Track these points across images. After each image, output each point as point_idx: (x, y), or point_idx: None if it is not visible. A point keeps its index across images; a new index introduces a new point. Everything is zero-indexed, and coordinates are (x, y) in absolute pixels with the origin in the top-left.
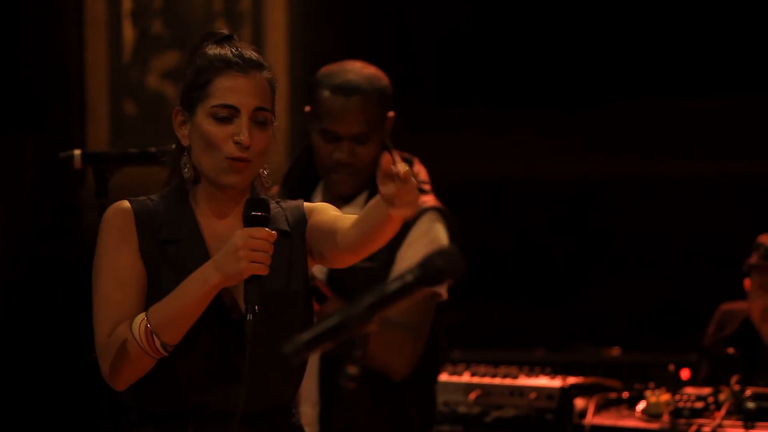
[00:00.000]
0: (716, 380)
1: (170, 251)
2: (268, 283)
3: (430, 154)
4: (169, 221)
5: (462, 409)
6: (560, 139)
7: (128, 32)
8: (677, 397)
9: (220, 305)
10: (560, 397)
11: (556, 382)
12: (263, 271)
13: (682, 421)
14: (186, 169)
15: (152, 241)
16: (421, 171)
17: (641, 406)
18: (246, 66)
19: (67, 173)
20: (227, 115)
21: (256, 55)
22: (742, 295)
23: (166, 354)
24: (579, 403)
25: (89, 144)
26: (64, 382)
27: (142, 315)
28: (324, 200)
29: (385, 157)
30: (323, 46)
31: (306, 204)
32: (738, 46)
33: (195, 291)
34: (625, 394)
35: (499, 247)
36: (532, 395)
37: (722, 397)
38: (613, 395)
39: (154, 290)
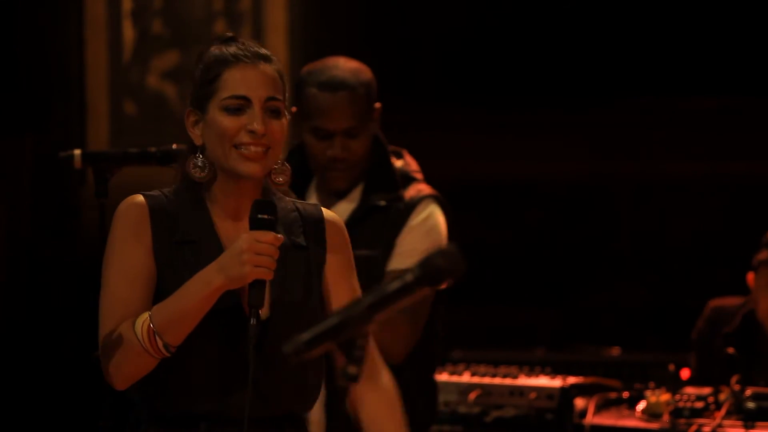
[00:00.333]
0: (708, 375)
1: (186, 252)
2: (287, 294)
3: (430, 154)
4: (184, 221)
5: (462, 409)
6: (560, 139)
7: (128, 32)
8: (677, 396)
9: (236, 308)
10: (560, 396)
11: (556, 382)
12: (268, 275)
13: (682, 420)
14: (197, 170)
15: (167, 240)
16: (411, 162)
17: (641, 405)
18: (254, 57)
19: (67, 173)
20: (239, 106)
21: (264, 49)
22: (743, 294)
23: (168, 355)
24: (579, 402)
25: (89, 144)
26: (64, 381)
27: (146, 314)
28: (319, 197)
29: None
30: (323, 46)
31: (325, 216)
32: (738, 46)
33: (198, 292)
34: (625, 394)
35: (499, 246)
36: (532, 395)
37: (722, 396)
38: (613, 395)
39: (167, 291)
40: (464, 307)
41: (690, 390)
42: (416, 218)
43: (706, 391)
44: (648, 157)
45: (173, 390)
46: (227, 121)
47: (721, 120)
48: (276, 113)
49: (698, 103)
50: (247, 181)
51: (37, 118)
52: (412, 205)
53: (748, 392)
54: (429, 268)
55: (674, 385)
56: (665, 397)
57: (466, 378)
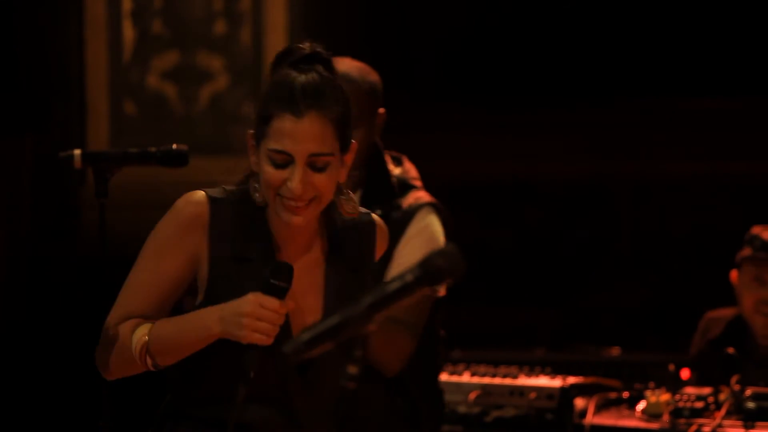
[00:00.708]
0: (700, 383)
1: (242, 269)
2: None
3: (430, 154)
4: (245, 235)
5: (462, 409)
6: (560, 139)
7: (128, 32)
8: (677, 396)
9: (283, 326)
10: (560, 396)
11: (556, 382)
12: (266, 341)
13: (682, 420)
14: (256, 194)
15: (225, 251)
16: (411, 169)
17: (641, 405)
18: (304, 106)
19: (67, 173)
20: (282, 161)
21: (327, 85)
22: None
23: (156, 370)
24: (579, 402)
25: (89, 144)
26: (64, 381)
27: (147, 327)
28: None
29: None
30: (323, 45)
31: (378, 229)
32: (738, 46)
33: (196, 332)
34: (625, 394)
35: (499, 246)
36: (532, 395)
37: (722, 396)
38: (613, 395)
39: (216, 302)
40: (464, 307)
41: (690, 390)
42: (414, 227)
43: (706, 391)
44: (648, 157)
45: (207, 395)
46: (271, 172)
47: (721, 120)
48: (321, 169)
49: (698, 103)
50: None
51: (37, 118)
52: (410, 213)
53: (748, 392)
54: (429, 268)
55: (674, 385)
56: (665, 397)
57: (466, 378)
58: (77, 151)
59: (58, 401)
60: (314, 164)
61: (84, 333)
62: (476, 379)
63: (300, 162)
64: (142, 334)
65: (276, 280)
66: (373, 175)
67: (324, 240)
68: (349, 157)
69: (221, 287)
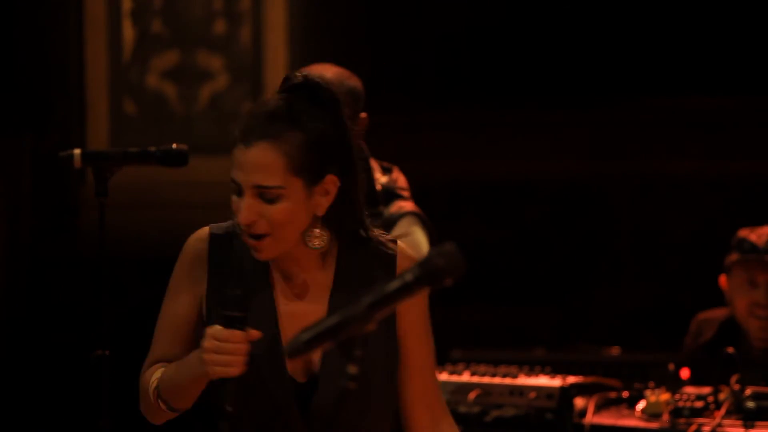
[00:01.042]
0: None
1: (236, 301)
2: (336, 354)
3: (430, 154)
4: (244, 265)
5: (462, 409)
6: (560, 138)
7: (128, 31)
8: (677, 396)
9: (279, 373)
10: (560, 396)
11: (556, 382)
12: (233, 372)
13: (682, 420)
14: None
15: (222, 284)
16: (399, 178)
17: (641, 405)
18: (254, 136)
19: (67, 172)
20: (237, 191)
21: (290, 114)
22: None
23: (175, 413)
24: (579, 402)
25: (89, 143)
26: (64, 380)
27: (161, 371)
28: None
29: None
30: (323, 45)
31: (398, 260)
32: (738, 46)
33: (190, 372)
34: (625, 394)
35: (499, 246)
36: (532, 395)
37: (722, 396)
38: (612, 394)
39: None
40: (464, 306)
41: (690, 389)
42: (395, 234)
43: (706, 390)
44: (647, 156)
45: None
46: (233, 200)
47: (720, 119)
48: (271, 201)
49: (698, 102)
50: None
51: (37, 117)
52: (392, 222)
53: (748, 392)
54: (429, 267)
55: (674, 384)
56: (665, 396)
57: (465, 377)
58: (77, 151)
59: (58, 401)
60: (264, 195)
61: (84, 332)
62: (476, 379)
63: (247, 192)
64: (154, 378)
65: (229, 311)
66: None
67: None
68: (327, 189)
69: (216, 322)
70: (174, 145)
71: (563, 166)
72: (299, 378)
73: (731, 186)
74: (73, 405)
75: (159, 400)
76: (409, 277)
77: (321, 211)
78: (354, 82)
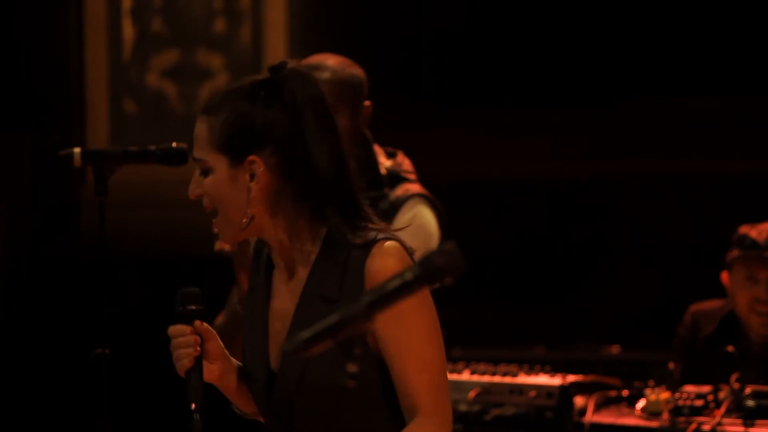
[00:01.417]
0: (693, 381)
1: (252, 299)
2: (313, 365)
3: (430, 153)
4: (257, 265)
5: (462, 407)
6: (560, 137)
7: (128, 30)
8: (677, 395)
9: (261, 369)
10: (560, 395)
11: (556, 380)
12: (184, 366)
13: (682, 419)
14: None
15: (248, 283)
16: (404, 161)
17: (641, 404)
18: (203, 110)
19: (67, 171)
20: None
21: (235, 91)
22: None
23: (247, 416)
24: (579, 401)
25: (89, 142)
26: (65, 379)
27: None
28: None
29: None
30: (323, 44)
31: (367, 263)
32: (738, 46)
33: None
34: (625, 392)
35: (499, 245)
36: (532, 393)
37: (722, 395)
38: (612, 393)
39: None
40: (464, 305)
41: (689, 388)
42: (402, 218)
43: (706, 389)
44: (648, 155)
45: None
46: None
47: (721, 119)
48: (204, 172)
49: (698, 102)
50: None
51: (36, 116)
52: (398, 204)
53: (748, 390)
54: (428, 266)
55: (674, 383)
56: (665, 395)
57: (465, 376)
58: (77, 150)
59: (58, 400)
60: (200, 169)
61: (84, 331)
62: (476, 378)
63: (196, 165)
64: None
65: (179, 306)
66: (360, 167)
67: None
68: (252, 170)
69: (245, 319)
70: (174, 144)
71: (563, 166)
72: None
73: (731, 186)
74: (73, 404)
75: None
76: (409, 275)
77: (254, 194)
78: (356, 70)
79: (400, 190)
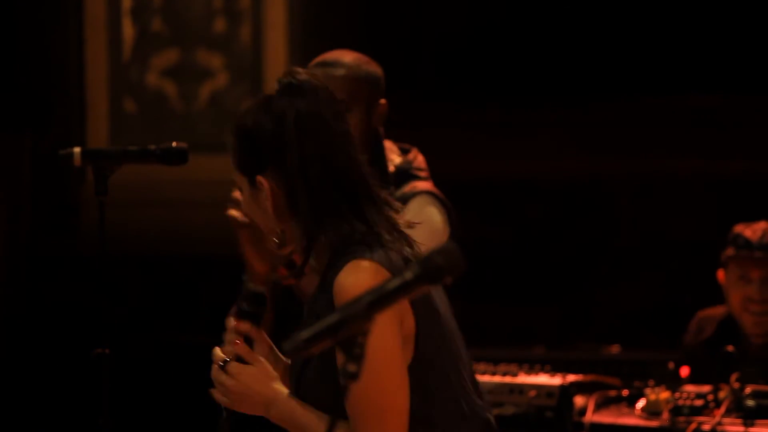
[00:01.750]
0: (695, 382)
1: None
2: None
3: (430, 152)
4: None
5: None
6: (560, 137)
7: (128, 30)
8: (677, 394)
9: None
10: (560, 394)
11: (556, 380)
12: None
13: (682, 418)
14: None
15: None
16: (417, 158)
17: (641, 403)
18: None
19: (67, 171)
20: None
21: (252, 106)
22: None
23: None
24: (579, 400)
25: (89, 141)
26: (64, 379)
27: None
28: None
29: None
30: (323, 43)
31: (335, 288)
32: (738, 45)
33: None
34: (625, 392)
35: (499, 244)
36: (532, 393)
37: (722, 394)
38: (612, 393)
39: None
40: (463, 305)
41: (689, 388)
42: (407, 215)
43: (706, 389)
44: (648, 155)
45: None
46: None
47: (721, 118)
48: (240, 191)
49: (698, 101)
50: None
51: (37, 115)
52: (404, 201)
53: (748, 390)
54: (429, 266)
55: (674, 382)
56: (665, 394)
57: None
58: (77, 149)
59: (58, 399)
60: (237, 187)
61: (84, 330)
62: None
63: None
64: None
65: (242, 305)
66: (370, 162)
67: None
68: (263, 188)
69: None
70: (174, 144)
71: (564, 164)
72: None
73: (731, 186)
74: (73, 403)
75: None
76: (408, 275)
77: (269, 211)
78: (373, 68)
79: (408, 188)
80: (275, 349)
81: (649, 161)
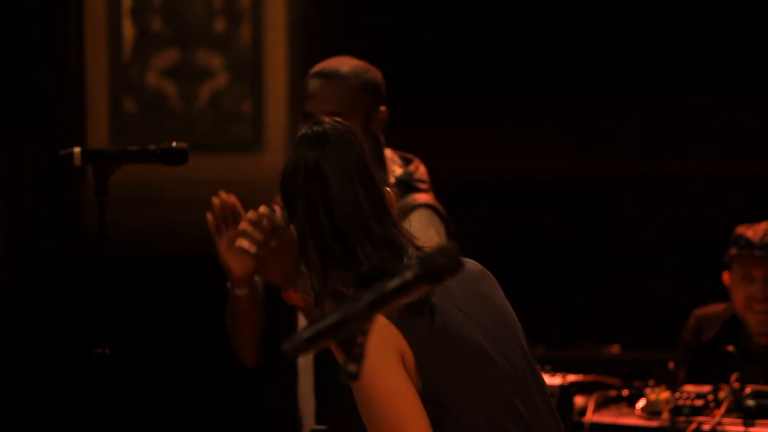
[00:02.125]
0: (695, 383)
1: None
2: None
3: (430, 151)
4: None
5: None
6: (560, 136)
7: (128, 30)
8: (677, 394)
9: None
10: (560, 394)
11: (556, 380)
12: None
13: (682, 418)
14: None
15: None
16: (419, 169)
17: (641, 403)
18: None
19: (67, 171)
20: None
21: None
22: None
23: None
24: (579, 400)
25: (89, 141)
26: (64, 379)
27: None
28: None
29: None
30: (323, 43)
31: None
32: (738, 45)
33: None
34: (625, 392)
35: (499, 244)
36: None
37: (722, 394)
38: (612, 393)
39: None
40: None
41: (690, 388)
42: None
43: (706, 389)
44: (648, 155)
45: None
46: None
47: (721, 118)
48: None
49: (698, 101)
50: None
51: (36, 115)
52: (402, 214)
53: (748, 390)
54: (428, 266)
55: (674, 382)
56: (665, 394)
57: None
58: (77, 149)
59: (57, 398)
60: None
61: (83, 330)
62: None
63: None
64: None
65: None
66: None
67: None
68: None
69: None
70: (174, 144)
71: (564, 164)
72: None
73: (731, 186)
74: (73, 403)
75: None
76: (408, 275)
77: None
78: (372, 75)
79: (408, 200)
80: None
81: (649, 161)
